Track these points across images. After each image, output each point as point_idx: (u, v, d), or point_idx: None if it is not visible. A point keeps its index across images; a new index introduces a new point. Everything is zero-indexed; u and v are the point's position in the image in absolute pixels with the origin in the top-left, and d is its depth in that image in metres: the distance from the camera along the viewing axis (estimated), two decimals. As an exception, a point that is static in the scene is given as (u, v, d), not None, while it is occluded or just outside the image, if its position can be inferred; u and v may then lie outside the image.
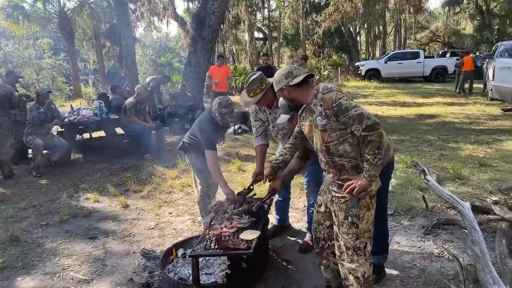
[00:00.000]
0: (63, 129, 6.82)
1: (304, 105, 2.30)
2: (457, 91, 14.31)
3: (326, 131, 2.05)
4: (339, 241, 2.20)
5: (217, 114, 3.44)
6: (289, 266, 3.09)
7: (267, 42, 28.54)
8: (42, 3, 15.72)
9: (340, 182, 2.16)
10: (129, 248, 3.56)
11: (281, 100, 2.67)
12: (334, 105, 1.98)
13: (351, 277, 2.15)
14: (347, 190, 2.09)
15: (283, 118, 2.68)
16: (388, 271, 2.97)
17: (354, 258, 2.14)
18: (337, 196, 2.17)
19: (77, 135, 7.16)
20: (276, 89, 2.34)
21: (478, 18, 28.53)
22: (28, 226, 4.08)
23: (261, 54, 14.21)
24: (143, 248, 3.43)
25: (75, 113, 7.27)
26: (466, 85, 14.19)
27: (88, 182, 5.42)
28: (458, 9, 30.17)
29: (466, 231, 3.05)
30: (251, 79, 2.98)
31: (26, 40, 17.43)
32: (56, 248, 3.60)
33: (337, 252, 2.26)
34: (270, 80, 3.01)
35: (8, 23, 14.36)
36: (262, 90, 2.96)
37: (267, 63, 9.70)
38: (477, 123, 8.66)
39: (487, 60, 12.62)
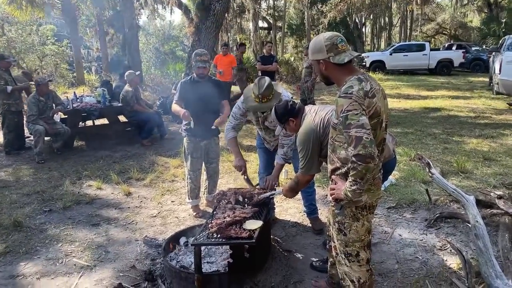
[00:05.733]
0: (66, 116, 6.82)
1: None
2: None
3: (336, 130, 1.98)
4: (334, 242, 2.19)
5: (193, 63, 3.70)
6: (291, 256, 3.10)
7: (271, 31, 28.31)
8: (45, -11, 15.58)
9: (331, 180, 2.11)
10: (132, 236, 3.57)
11: (272, 113, 2.68)
12: (341, 114, 1.84)
13: (347, 279, 2.14)
14: (330, 192, 2.06)
15: (278, 129, 2.77)
16: (389, 263, 2.98)
17: (347, 263, 2.11)
18: (330, 200, 2.14)
19: (80, 122, 7.16)
20: (311, 58, 2.05)
21: (486, 11, 28.14)
22: (31, 212, 4.10)
23: (265, 43, 14.01)
24: (146, 236, 3.45)
25: (78, 100, 7.26)
26: None
27: (90, 170, 5.43)
28: (465, 1, 29.77)
29: (469, 224, 3.04)
30: (265, 85, 2.96)
31: (29, 26, 17.30)
32: (59, 234, 3.62)
33: (333, 252, 2.25)
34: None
35: (11, 8, 14.22)
36: (273, 96, 2.99)
37: (269, 51, 9.62)
38: (482, 117, 8.60)
39: (493, 53, 12.47)
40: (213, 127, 3.74)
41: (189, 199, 3.99)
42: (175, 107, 3.76)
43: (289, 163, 3.38)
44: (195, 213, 3.95)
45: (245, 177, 3.40)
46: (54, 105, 6.31)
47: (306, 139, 2.37)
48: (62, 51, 16.95)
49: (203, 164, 4.00)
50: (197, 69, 3.68)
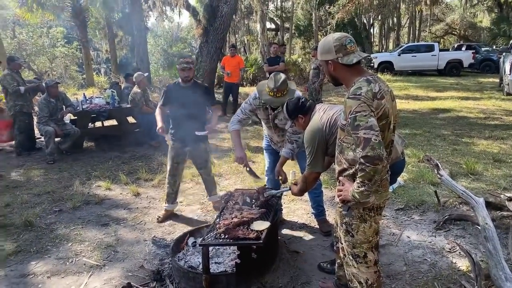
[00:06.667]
0: (75, 117, 6.91)
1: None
2: None
3: (344, 131, 1.98)
4: (342, 244, 2.19)
5: (177, 66, 3.67)
6: (298, 257, 3.11)
7: (279, 33, 28.32)
8: (55, -8, 15.79)
9: (338, 181, 2.11)
10: (140, 236, 3.60)
11: (284, 108, 2.72)
12: (349, 116, 1.83)
13: (354, 280, 2.14)
14: (337, 194, 2.06)
15: (288, 124, 2.85)
16: (398, 265, 2.97)
17: (354, 264, 2.11)
18: (337, 201, 2.13)
19: (90, 124, 7.24)
20: (320, 58, 2.02)
21: (496, 11, 27.78)
22: (42, 212, 4.16)
23: (271, 44, 13.95)
24: (154, 236, 3.48)
25: (87, 101, 7.34)
26: None
27: (100, 170, 5.48)
28: (475, 1, 29.44)
29: (479, 227, 3.01)
30: (281, 80, 3.01)
31: (40, 28, 17.55)
32: (69, 234, 3.66)
33: (341, 254, 2.25)
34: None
35: (22, 11, 14.47)
36: (287, 92, 3.03)
37: (276, 52, 9.52)
38: (492, 118, 8.50)
39: (503, 54, 12.33)
40: (198, 133, 3.64)
41: (165, 203, 3.97)
42: (158, 114, 3.74)
43: (293, 160, 3.38)
44: (158, 217, 3.91)
45: (248, 168, 3.36)
46: (64, 106, 6.40)
47: (312, 137, 2.39)
48: (72, 53, 17.18)
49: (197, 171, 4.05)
50: (181, 71, 3.60)
